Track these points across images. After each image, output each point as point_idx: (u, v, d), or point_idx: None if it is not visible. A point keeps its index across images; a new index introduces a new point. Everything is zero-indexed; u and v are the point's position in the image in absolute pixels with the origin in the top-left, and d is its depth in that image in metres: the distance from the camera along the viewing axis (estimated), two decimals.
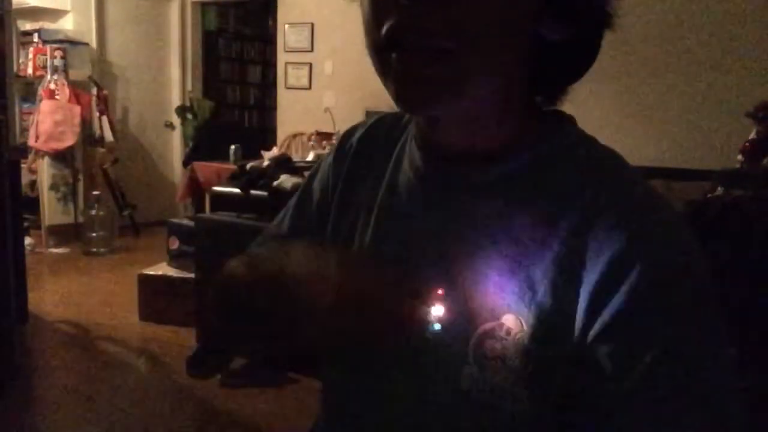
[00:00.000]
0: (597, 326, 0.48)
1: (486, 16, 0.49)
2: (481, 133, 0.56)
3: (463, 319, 0.53)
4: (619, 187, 0.53)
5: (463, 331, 0.53)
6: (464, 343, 0.53)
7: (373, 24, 0.51)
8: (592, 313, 0.48)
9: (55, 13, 5.67)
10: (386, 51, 0.50)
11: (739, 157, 2.90)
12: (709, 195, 2.27)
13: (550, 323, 0.50)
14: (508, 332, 0.51)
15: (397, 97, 0.52)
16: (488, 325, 0.52)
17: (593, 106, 4.35)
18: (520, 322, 0.51)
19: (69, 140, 5.18)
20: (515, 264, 0.52)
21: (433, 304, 0.53)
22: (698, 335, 0.47)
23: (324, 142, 4.37)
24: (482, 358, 0.52)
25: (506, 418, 0.51)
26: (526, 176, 0.55)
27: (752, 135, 2.90)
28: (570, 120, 0.59)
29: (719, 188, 2.25)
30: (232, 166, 3.94)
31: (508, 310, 0.51)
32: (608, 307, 0.48)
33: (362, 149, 0.68)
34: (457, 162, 0.57)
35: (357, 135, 0.70)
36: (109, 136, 5.55)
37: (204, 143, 5.79)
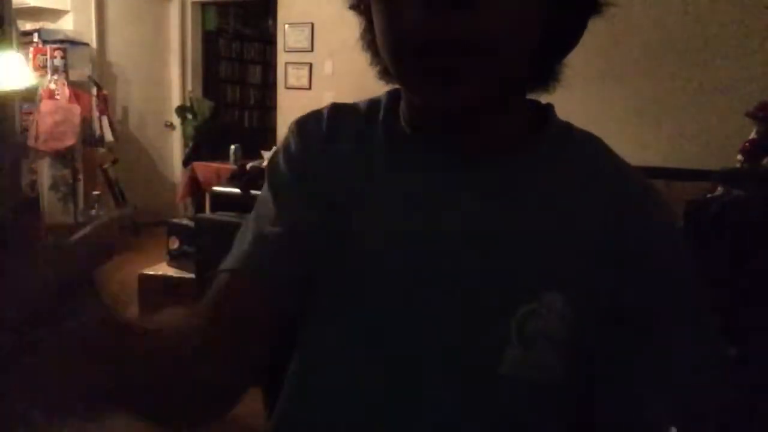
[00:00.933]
0: (619, 302, 0.55)
1: (515, 12, 0.50)
2: (492, 122, 0.58)
3: (500, 301, 0.55)
4: (616, 171, 0.60)
5: (501, 314, 0.55)
6: (504, 325, 0.54)
7: (396, 30, 0.52)
8: (616, 285, 0.55)
9: (55, 13, 5.67)
10: (418, 56, 0.51)
11: (739, 157, 2.90)
12: (709, 195, 2.27)
13: (584, 297, 0.55)
14: (550, 309, 0.54)
15: (432, 100, 0.54)
16: (530, 305, 0.54)
17: (593, 105, 4.35)
18: (559, 297, 0.54)
19: (69, 140, 5.18)
20: (544, 242, 0.56)
21: None
22: (699, 313, 0.56)
23: None
24: (526, 338, 0.54)
25: (541, 395, 0.55)
26: (534, 164, 0.59)
27: (752, 135, 2.90)
28: (551, 108, 0.63)
29: (719, 188, 2.26)
30: (232, 166, 3.95)
31: (545, 288, 0.54)
32: (630, 284, 0.55)
33: (333, 139, 0.64)
34: (469, 150, 0.59)
35: (322, 125, 0.65)
36: (109, 136, 5.55)
37: (204, 143, 5.79)
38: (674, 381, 0.55)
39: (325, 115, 0.66)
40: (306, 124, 0.67)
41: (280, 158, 0.66)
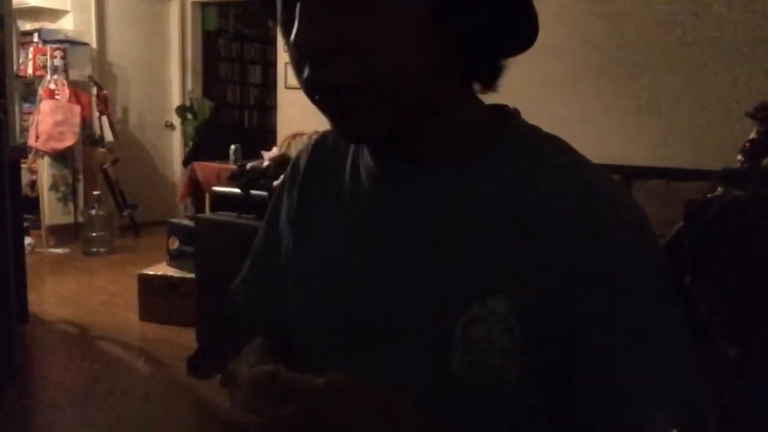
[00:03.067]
0: (565, 311, 0.53)
1: (385, 45, 0.51)
2: (426, 133, 0.59)
3: (447, 305, 0.56)
4: (568, 180, 0.56)
5: (447, 317, 0.55)
6: (450, 330, 0.55)
7: (296, 72, 0.56)
8: (560, 298, 0.53)
9: (55, 13, 5.67)
10: (314, 98, 0.55)
11: (739, 157, 2.90)
12: (709, 195, 2.27)
13: (530, 302, 0.54)
14: (494, 314, 0.54)
15: (337, 132, 0.59)
16: (474, 309, 0.54)
17: (594, 105, 4.35)
18: (503, 303, 0.54)
19: (69, 140, 5.18)
20: (490, 249, 0.56)
21: None
22: (655, 311, 0.54)
23: None
24: (470, 342, 0.55)
25: (495, 397, 0.55)
26: (485, 170, 0.58)
27: (752, 135, 2.90)
28: (514, 113, 0.62)
29: (719, 188, 2.25)
30: (232, 166, 3.93)
31: (490, 293, 0.54)
32: (575, 293, 0.53)
33: (312, 170, 0.70)
34: (413, 158, 0.60)
35: (304, 157, 0.72)
36: (109, 136, 5.55)
37: (204, 143, 5.79)
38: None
39: (309, 147, 0.73)
40: (297, 159, 0.74)
41: (277, 194, 0.75)
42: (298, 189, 0.70)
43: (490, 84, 0.59)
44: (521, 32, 0.57)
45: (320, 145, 0.72)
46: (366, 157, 0.64)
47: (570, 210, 0.54)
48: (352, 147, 0.68)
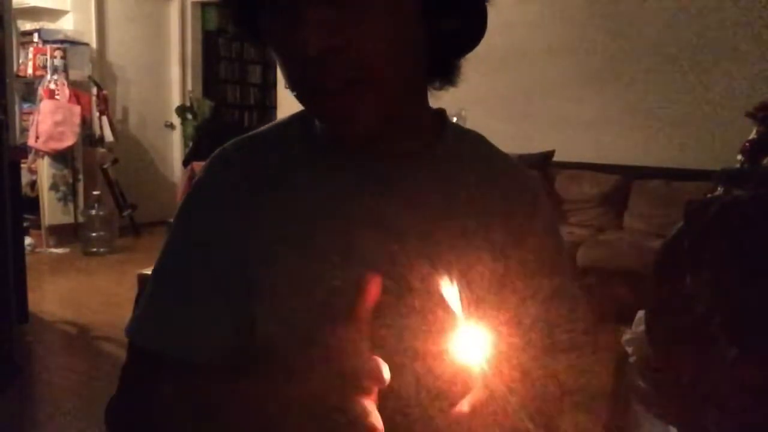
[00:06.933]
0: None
1: (380, 41, 0.55)
2: (397, 132, 0.64)
3: (450, 272, 0.58)
4: (500, 159, 0.72)
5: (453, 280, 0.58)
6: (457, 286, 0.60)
7: (290, 75, 0.58)
8: (521, 231, 0.67)
9: (55, 13, 5.67)
10: (313, 96, 0.58)
11: (739, 157, 2.91)
12: (709, 195, 2.27)
13: (506, 245, 0.65)
14: (482, 276, 0.62)
15: (334, 132, 0.61)
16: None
17: (595, 105, 4.35)
18: (489, 272, 0.62)
19: (69, 140, 5.18)
20: (469, 220, 0.65)
21: None
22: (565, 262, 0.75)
23: None
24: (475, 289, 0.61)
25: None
26: (438, 160, 0.67)
27: (752, 135, 2.90)
28: (444, 113, 0.71)
29: (719, 188, 2.26)
30: None
31: (479, 263, 0.62)
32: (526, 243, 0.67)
33: (247, 181, 0.65)
34: (381, 155, 0.64)
35: (229, 174, 0.66)
36: (109, 136, 5.55)
37: (204, 143, 5.79)
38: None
39: (230, 154, 0.67)
40: (213, 168, 0.67)
41: (193, 210, 0.70)
42: (240, 203, 0.64)
43: (451, 81, 0.66)
44: (477, 33, 0.63)
45: (243, 154, 0.67)
46: (324, 155, 0.65)
47: (510, 178, 0.71)
48: (297, 146, 0.66)
